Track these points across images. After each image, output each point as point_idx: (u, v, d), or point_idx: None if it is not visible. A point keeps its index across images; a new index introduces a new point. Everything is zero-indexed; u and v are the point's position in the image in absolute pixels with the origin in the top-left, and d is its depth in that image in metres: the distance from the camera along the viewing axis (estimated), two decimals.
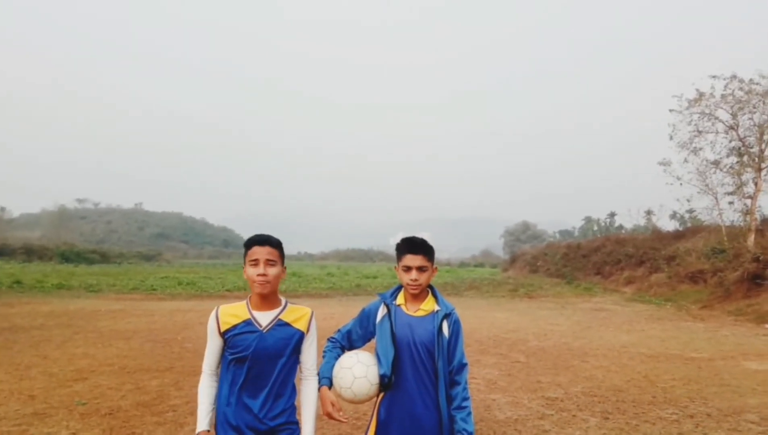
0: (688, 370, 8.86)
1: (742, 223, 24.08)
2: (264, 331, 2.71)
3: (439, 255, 3.04)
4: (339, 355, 2.94)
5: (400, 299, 2.96)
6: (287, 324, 2.77)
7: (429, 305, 2.91)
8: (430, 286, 2.98)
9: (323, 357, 2.98)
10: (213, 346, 2.76)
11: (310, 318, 2.86)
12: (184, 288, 26.29)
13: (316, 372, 2.86)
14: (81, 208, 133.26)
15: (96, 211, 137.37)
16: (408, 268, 2.85)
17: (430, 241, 2.98)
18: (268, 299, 2.76)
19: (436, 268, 2.97)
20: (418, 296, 2.92)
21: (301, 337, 2.80)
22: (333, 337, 3.07)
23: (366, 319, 3.01)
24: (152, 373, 8.13)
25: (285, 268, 2.86)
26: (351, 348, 3.03)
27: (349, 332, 3.05)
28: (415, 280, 2.84)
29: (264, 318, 2.74)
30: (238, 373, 2.67)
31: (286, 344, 2.74)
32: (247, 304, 2.79)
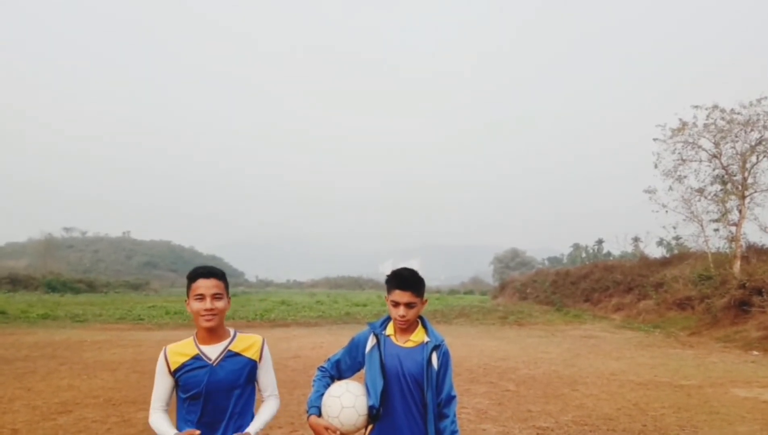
0: (678, 398, 8.87)
1: (727, 250, 24.34)
2: (214, 364, 2.68)
3: (428, 283, 3.03)
4: (328, 385, 2.93)
5: (389, 329, 2.95)
6: (237, 354, 2.75)
7: (419, 336, 2.91)
8: (420, 317, 2.98)
9: (313, 386, 2.97)
10: (163, 386, 2.71)
11: (262, 346, 2.83)
12: (172, 317, 25.95)
13: (276, 393, 2.86)
14: (68, 237, 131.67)
15: (83, 240, 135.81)
16: (396, 304, 2.85)
17: (420, 272, 2.98)
18: (215, 332, 2.73)
19: (426, 300, 2.96)
20: (407, 327, 2.92)
21: (254, 366, 2.78)
22: (323, 366, 3.06)
23: (355, 349, 3.00)
24: (138, 405, 8.01)
25: (230, 299, 2.84)
26: (340, 378, 3.01)
27: (338, 362, 3.04)
28: (403, 316, 2.83)
29: (212, 351, 2.71)
30: (194, 410, 2.65)
31: (239, 375, 2.72)
32: (194, 339, 2.76)
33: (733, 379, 10.68)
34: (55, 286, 51.06)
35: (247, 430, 2.65)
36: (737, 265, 22.10)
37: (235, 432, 2.66)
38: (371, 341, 2.94)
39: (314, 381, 2.99)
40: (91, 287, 57.18)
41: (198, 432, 2.58)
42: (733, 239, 23.64)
